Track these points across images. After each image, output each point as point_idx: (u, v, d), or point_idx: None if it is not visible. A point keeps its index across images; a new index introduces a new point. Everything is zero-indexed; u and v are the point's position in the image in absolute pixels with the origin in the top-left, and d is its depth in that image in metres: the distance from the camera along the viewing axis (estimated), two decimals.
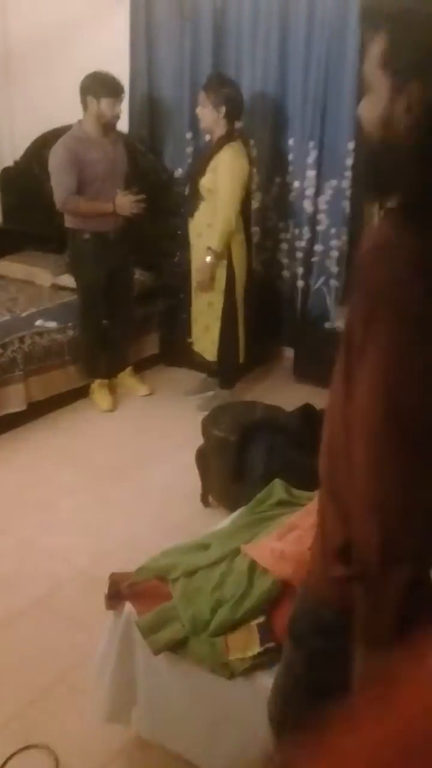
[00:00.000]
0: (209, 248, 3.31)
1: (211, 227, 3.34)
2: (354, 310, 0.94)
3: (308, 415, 2.25)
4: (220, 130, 3.31)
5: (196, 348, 3.67)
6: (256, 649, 1.45)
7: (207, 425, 2.75)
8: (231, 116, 3.30)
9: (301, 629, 1.13)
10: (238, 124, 3.43)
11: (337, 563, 1.00)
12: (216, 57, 3.96)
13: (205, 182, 3.31)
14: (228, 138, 3.30)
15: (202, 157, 3.40)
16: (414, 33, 0.91)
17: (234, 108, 3.30)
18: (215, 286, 3.40)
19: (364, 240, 0.99)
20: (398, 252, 0.89)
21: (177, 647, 1.55)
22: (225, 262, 3.37)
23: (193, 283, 3.55)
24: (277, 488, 1.91)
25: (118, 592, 1.69)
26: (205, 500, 2.86)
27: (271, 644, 1.44)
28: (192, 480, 2.89)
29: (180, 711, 1.57)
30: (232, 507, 2.67)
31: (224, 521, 1.99)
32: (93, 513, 2.85)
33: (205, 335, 3.56)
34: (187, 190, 3.52)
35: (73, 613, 2.29)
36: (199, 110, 3.36)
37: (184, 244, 3.57)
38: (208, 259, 3.31)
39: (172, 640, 1.55)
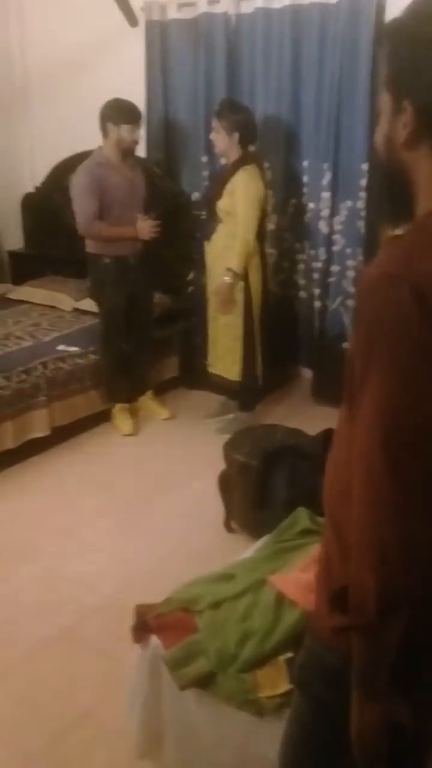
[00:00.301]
0: (229, 269, 3.33)
1: (228, 249, 3.38)
2: (355, 338, 0.92)
3: (330, 440, 2.24)
4: (235, 154, 3.37)
5: (214, 370, 3.69)
6: (285, 686, 1.45)
7: (228, 450, 2.76)
8: (244, 141, 3.36)
9: (307, 676, 1.07)
10: (251, 148, 3.47)
11: (336, 610, 0.93)
12: (230, 81, 4.01)
13: (222, 205, 3.35)
14: (243, 161, 3.35)
15: (219, 181, 3.46)
16: (406, 49, 0.91)
17: (247, 133, 3.35)
18: (234, 308, 3.43)
19: (365, 269, 0.98)
20: (398, 280, 0.86)
21: (204, 683, 1.55)
22: (242, 284, 3.39)
23: (210, 306, 3.57)
24: (302, 516, 1.91)
25: (144, 624, 1.69)
26: (228, 526, 2.86)
27: None
28: (214, 505, 2.89)
29: (208, 748, 1.57)
30: (255, 533, 2.68)
31: (248, 550, 1.99)
32: (117, 539, 2.87)
33: (227, 356, 3.58)
34: (203, 214, 3.54)
35: (100, 643, 2.30)
36: (212, 136, 3.42)
37: (199, 267, 3.60)
38: (227, 279, 3.34)
39: (198, 675, 1.55)
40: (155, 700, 1.68)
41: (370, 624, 0.86)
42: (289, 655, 1.54)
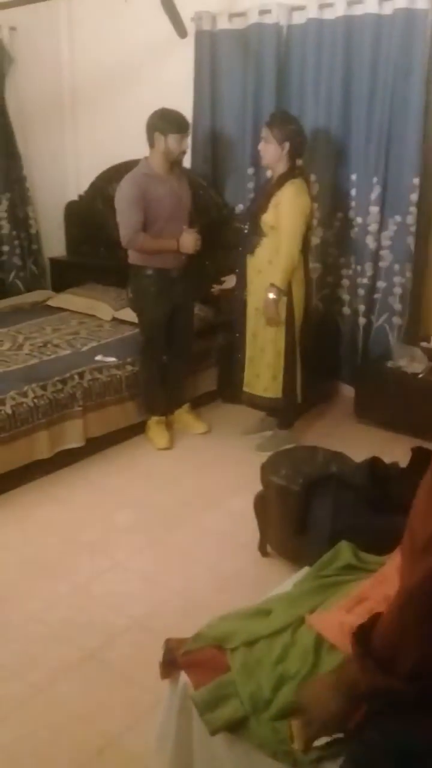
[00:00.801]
0: (272, 285, 3.24)
1: (272, 264, 3.29)
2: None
3: (376, 470, 2.13)
4: (282, 166, 3.28)
5: (249, 389, 3.58)
6: (324, 738, 1.34)
7: (266, 472, 2.66)
8: (294, 153, 3.27)
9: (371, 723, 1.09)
10: (299, 161, 3.38)
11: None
12: (279, 93, 3.94)
13: (267, 219, 3.27)
14: (290, 175, 3.27)
15: (264, 194, 3.36)
16: None
17: (297, 145, 3.27)
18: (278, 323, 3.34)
19: None
20: None
21: (236, 727, 1.45)
22: (285, 299, 3.30)
23: (249, 322, 3.48)
24: (344, 551, 1.80)
25: (173, 660, 1.61)
26: (263, 550, 2.76)
27: (339, 734, 1.32)
28: (249, 527, 2.80)
29: None
30: (292, 559, 2.59)
31: (286, 582, 1.89)
32: (148, 558, 2.79)
33: (266, 373, 3.48)
34: (246, 227, 3.45)
35: (126, 668, 2.22)
36: (261, 146, 3.33)
37: (240, 281, 3.51)
38: (271, 295, 3.25)
39: (230, 719, 1.45)
40: (185, 740, 1.59)
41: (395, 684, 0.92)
42: None
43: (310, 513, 2.17)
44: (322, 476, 2.26)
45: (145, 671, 2.12)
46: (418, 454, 2.20)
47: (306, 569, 1.91)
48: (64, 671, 2.21)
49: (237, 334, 3.59)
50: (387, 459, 3.63)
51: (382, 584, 1.59)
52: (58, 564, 2.74)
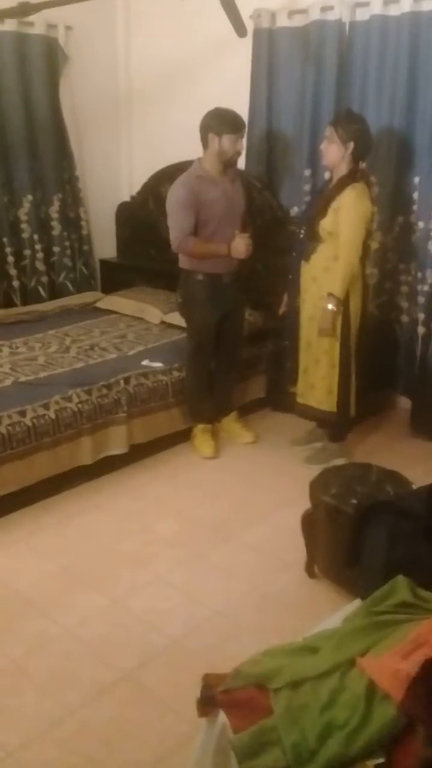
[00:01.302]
0: (330, 294, 3.09)
1: (328, 271, 3.14)
2: None
3: None
4: (344, 168, 3.11)
5: (303, 400, 3.44)
6: None
7: (316, 489, 2.52)
8: (358, 154, 3.10)
9: None
10: (362, 164, 3.21)
11: None
12: (339, 93, 3.79)
13: (325, 224, 3.11)
14: (351, 178, 3.09)
15: (323, 198, 3.19)
16: None
17: (362, 145, 3.10)
18: (334, 333, 3.19)
19: None
20: None
21: None
22: (342, 306, 3.15)
23: (303, 331, 3.33)
24: (401, 587, 1.66)
25: (211, 697, 1.49)
26: (310, 570, 2.62)
27: None
28: (296, 545, 2.66)
29: None
30: (340, 584, 2.45)
31: (335, 616, 1.75)
32: (189, 573, 2.68)
33: (320, 385, 3.32)
34: (302, 232, 3.30)
35: (162, 691, 2.12)
36: (324, 146, 3.17)
37: (293, 288, 3.36)
38: (330, 306, 3.10)
39: None
40: None
41: None
42: (380, 761, 1.29)
43: (362, 541, 2.03)
44: (377, 502, 2.11)
45: (181, 697, 2.02)
46: None
47: (357, 602, 1.78)
48: (98, 693, 2.12)
49: (287, 342, 3.44)
50: None
51: None
52: (97, 575, 2.66)
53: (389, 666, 1.39)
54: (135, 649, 2.28)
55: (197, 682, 1.80)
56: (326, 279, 3.14)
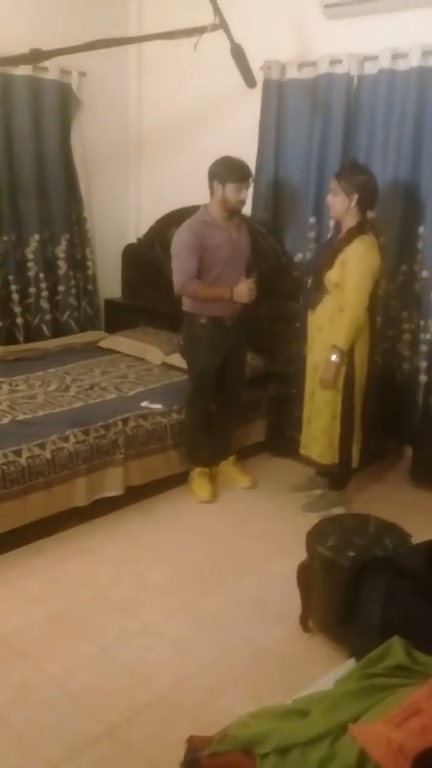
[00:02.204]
0: (335, 347, 3.07)
1: (333, 322, 3.11)
2: None
3: None
4: (352, 219, 3.11)
5: (306, 452, 3.39)
6: None
7: (312, 540, 2.47)
8: (363, 205, 3.09)
9: None
10: (370, 215, 3.22)
11: None
12: (346, 144, 3.84)
13: (331, 276, 3.09)
14: (359, 230, 3.08)
15: (330, 249, 3.18)
16: None
17: (367, 197, 3.09)
18: (336, 385, 3.15)
19: None
20: None
21: None
22: (346, 358, 3.12)
23: (308, 381, 3.30)
24: (396, 648, 1.59)
25: (196, 761, 1.42)
26: (304, 624, 2.54)
27: None
28: (290, 596, 2.59)
29: None
30: (336, 639, 2.39)
31: (327, 677, 1.69)
32: (180, 624, 2.61)
33: (322, 438, 3.27)
34: (309, 282, 3.30)
35: (147, 749, 2.03)
36: (329, 198, 3.18)
37: (301, 337, 3.35)
38: (334, 357, 3.07)
39: None
40: None
41: None
42: None
43: (358, 597, 1.97)
44: (374, 558, 2.05)
45: (166, 756, 1.93)
46: None
47: (351, 662, 1.71)
48: (81, 748, 2.03)
49: (294, 390, 3.41)
50: None
51: None
52: (85, 622, 2.59)
53: (382, 735, 1.32)
54: (121, 703, 2.20)
55: (183, 741, 1.74)
56: (331, 330, 3.12)
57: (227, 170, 3.26)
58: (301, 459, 3.50)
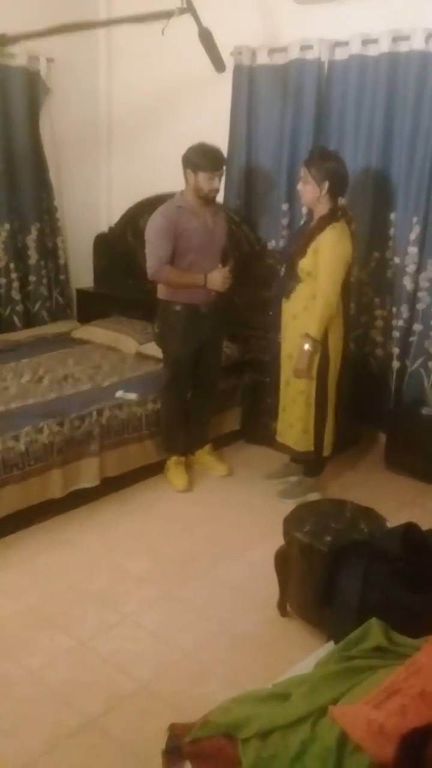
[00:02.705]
0: (307, 335, 3.07)
1: (307, 310, 3.11)
2: None
3: (411, 538, 1.94)
4: (323, 207, 3.09)
5: (282, 440, 3.40)
6: None
7: (289, 526, 2.47)
8: (334, 192, 3.08)
9: None
10: (341, 201, 3.22)
11: None
12: (317, 129, 3.84)
13: (304, 264, 3.08)
14: (331, 218, 3.07)
15: (302, 237, 3.17)
16: None
17: (338, 184, 3.08)
18: (310, 373, 3.15)
19: None
20: None
21: None
22: (320, 346, 3.12)
23: (283, 369, 3.30)
24: (375, 630, 1.61)
25: (178, 749, 1.42)
26: (282, 609, 2.56)
27: None
28: (268, 582, 2.61)
29: None
30: (314, 623, 2.40)
31: (307, 660, 1.70)
32: (158, 613, 2.60)
33: (297, 425, 3.28)
34: (282, 271, 3.30)
35: (128, 738, 2.03)
36: (300, 186, 3.16)
37: (275, 325, 3.34)
38: (307, 346, 3.07)
39: None
40: None
41: None
42: None
43: (336, 582, 1.98)
44: (351, 542, 2.07)
45: (147, 745, 1.93)
46: None
47: (329, 645, 1.72)
48: (63, 738, 2.03)
49: (268, 379, 3.40)
50: (419, 511, 3.47)
51: (416, 675, 1.39)
52: (63, 615, 2.57)
53: (361, 716, 1.33)
54: (101, 694, 2.19)
55: (164, 730, 1.74)
56: (305, 317, 3.11)
57: (200, 158, 3.24)
58: (276, 446, 3.51)
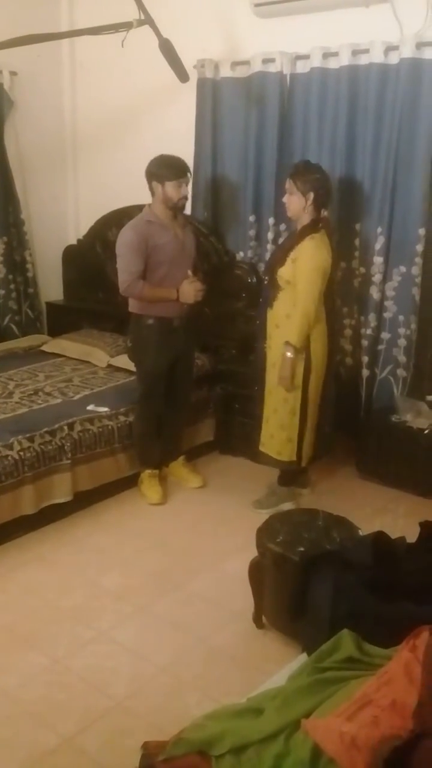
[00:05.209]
0: (288, 343, 3.10)
1: (289, 318, 3.14)
2: None
3: (380, 547, 1.96)
4: (307, 218, 3.16)
5: (264, 449, 3.38)
6: None
7: (262, 537, 2.49)
8: (318, 203, 3.14)
9: None
10: (324, 212, 3.26)
11: None
12: (281, 142, 3.88)
13: (283, 273, 3.13)
14: (312, 228, 3.13)
15: (283, 247, 3.23)
16: None
17: (322, 195, 3.15)
18: (294, 381, 3.18)
19: None
20: None
21: None
22: (303, 355, 3.15)
23: (268, 378, 3.31)
24: (346, 641, 1.62)
25: (151, 767, 1.42)
26: (258, 621, 2.57)
27: None
28: (243, 594, 2.61)
29: None
30: (288, 634, 2.41)
31: (280, 673, 1.71)
32: (133, 628, 2.59)
33: (280, 434, 3.29)
34: (266, 279, 3.33)
35: (103, 757, 2.01)
36: (286, 198, 3.21)
37: (260, 335, 3.36)
38: (288, 354, 3.10)
39: None
40: None
41: None
42: None
43: (308, 593, 1.99)
44: (321, 552, 2.08)
45: (123, 763, 1.91)
46: (427, 529, 2.04)
47: (303, 656, 1.73)
48: (38, 758, 2.01)
49: (256, 388, 3.41)
50: (390, 518, 3.51)
51: (387, 685, 1.41)
52: (37, 632, 2.54)
53: (334, 728, 1.34)
54: (76, 712, 2.18)
55: (140, 747, 1.73)
56: (287, 326, 3.14)
57: (163, 169, 3.25)
58: (253, 456, 3.50)
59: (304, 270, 3.08)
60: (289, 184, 3.18)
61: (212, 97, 4.04)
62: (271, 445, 3.35)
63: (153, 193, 3.32)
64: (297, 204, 3.16)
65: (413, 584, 1.83)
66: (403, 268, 3.66)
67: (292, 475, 3.50)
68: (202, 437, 4.06)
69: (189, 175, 3.35)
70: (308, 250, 3.08)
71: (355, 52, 3.53)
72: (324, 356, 3.26)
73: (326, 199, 3.23)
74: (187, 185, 3.34)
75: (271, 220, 3.97)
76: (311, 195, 3.11)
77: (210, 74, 4.01)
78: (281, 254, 3.20)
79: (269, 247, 4.00)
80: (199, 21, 4.03)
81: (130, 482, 3.62)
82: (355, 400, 3.96)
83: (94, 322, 4.61)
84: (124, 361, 3.99)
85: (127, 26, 3.33)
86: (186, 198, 3.37)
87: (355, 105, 3.62)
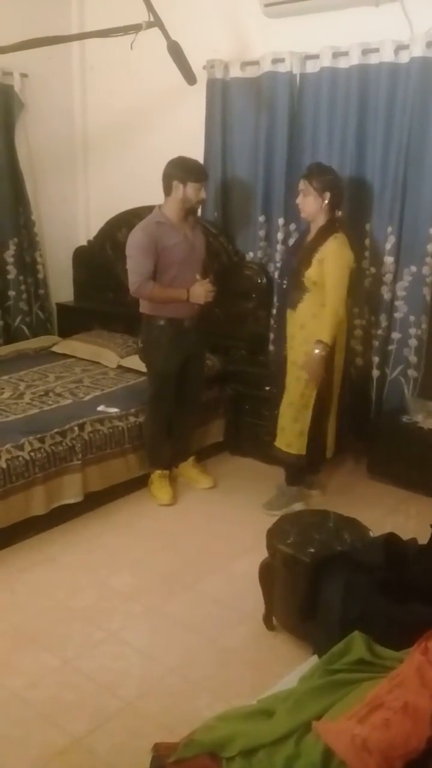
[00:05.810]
0: (319, 341, 3.11)
1: (316, 318, 3.16)
2: None
3: (392, 549, 1.95)
4: (322, 219, 3.18)
5: (276, 443, 3.40)
6: None
7: (273, 538, 2.48)
8: (334, 203, 3.17)
9: None
10: (338, 213, 3.28)
11: None
12: (291, 142, 3.87)
13: (310, 274, 3.15)
14: (331, 228, 3.16)
15: (306, 249, 3.24)
16: None
17: (337, 195, 3.18)
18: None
19: None
20: None
21: None
22: (332, 352, 3.19)
23: (288, 377, 3.32)
24: (357, 643, 1.61)
25: None
26: (268, 622, 2.56)
27: None
28: (253, 595, 2.61)
29: None
30: (299, 636, 2.40)
31: (291, 675, 1.70)
32: (144, 629, 2.59)
33: (292, 428, 3.31)
34: (284, 283, 3.34)
35: (113, 758, 2.01)
36: (300, 199, 3.23)
37: (280, 336, 3.37)
38: (318, 351, 3.12)
39: None
40: None
41: None
42: None
43: (319, 594, 1.98)
44: (332, 553, 2.07)
45: (133, 764, 1.92)
46: None
47: (314, 658, 1.73)
48: (48, 759, 2.01)
49: (267, 388, 3.42)
50: (401, 519, 3.49)
51: (399, 688, 1.40)
52: (47, 633, 2.55)
53: (346, 731, 1.33)
54: (86, 713, 2.18)
55: (150, 748, 1.73)
56: (314, 325, 3.16)
57: (186, 170, 3.27)
58: (263, 457, 3.51)
59: (331, 269, 3.11)
60: (304, 184, 3.19)
61: (222, 97, 4.04)
62: (282, 437, 3.36)
63: (170, 193, 3.31)
64: (313, 204, 3.17)
65: (425, 586, 1.81)
66: (413, 268, 3.64)
67: (299, 474, 3.49)
68: (212, 438, 4.06)
69: (208, 180, 3.38)
70: (334, 250, 3.11)
71: (365, 52, 3.52)
72: (342, 353, 3.31)
73: (341, 200, 3.26)
74: (204, 189, 3.36)
75: (280, 221, 3.96)
76: (327, 194, 3.14)
77: (219, 75, 4.02)
78: (305, 256, 3.21)
79: (279, 247, 3.99)
80: (208, 22, 4.03)
81: (140, 483, 3.62)
82: (365, 400, 3.95)
83: (104, 322, 4.62)
84: (134, 362, 4.00)
85: (136, 28, 3.34)
86: (203, 201, 3.41)
87: (366, 104, 3.60)
